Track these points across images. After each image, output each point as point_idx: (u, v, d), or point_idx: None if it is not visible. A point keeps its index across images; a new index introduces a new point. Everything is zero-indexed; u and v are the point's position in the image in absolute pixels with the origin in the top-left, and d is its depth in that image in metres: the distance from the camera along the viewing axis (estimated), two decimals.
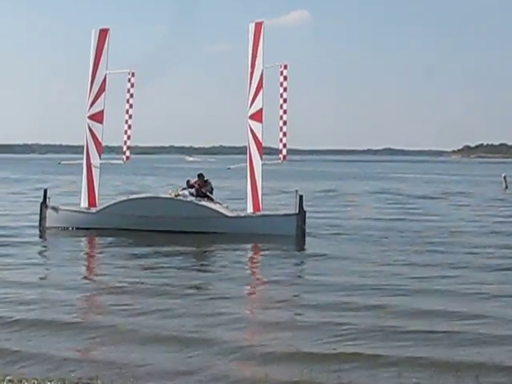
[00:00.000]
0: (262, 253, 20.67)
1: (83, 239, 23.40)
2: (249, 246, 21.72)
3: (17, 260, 18.82)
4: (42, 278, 16.66)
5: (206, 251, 20.93)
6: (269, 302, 13.84)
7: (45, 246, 22.34)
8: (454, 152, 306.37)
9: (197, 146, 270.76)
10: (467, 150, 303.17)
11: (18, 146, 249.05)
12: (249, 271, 18.37)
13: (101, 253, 21.03)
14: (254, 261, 19.96)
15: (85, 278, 17.41)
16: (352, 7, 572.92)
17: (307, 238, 22.59)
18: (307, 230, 23.01)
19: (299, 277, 17.18)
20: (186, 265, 18.55)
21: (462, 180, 74.10)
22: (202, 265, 18.97)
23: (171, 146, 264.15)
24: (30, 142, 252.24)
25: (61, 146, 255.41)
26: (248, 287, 15.88)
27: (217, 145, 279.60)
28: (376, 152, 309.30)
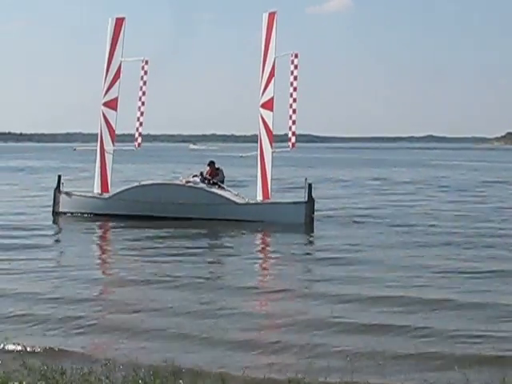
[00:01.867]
0: (270, 240, 21.08)
1: (95, 224, 23.71)
2: (258, 233, 21.99)
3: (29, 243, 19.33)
4: (55, 261, 17.12)
5: (215, 237, 21.30)
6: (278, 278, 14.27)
7: (58, 231, 22.81)
8: (496, 139, 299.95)
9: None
10: (510, 137, 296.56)
11: (60, 134, 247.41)
12: (258, 256, 18.69)
13: (112, 238, 21.54)
14: (263, 247, 20.34)
15: (97, 259, 18.01)
16: None
17: (316, 225, 22.80)
18: (359, 215, 24.63)
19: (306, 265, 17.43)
20: (196, 250, 18.83)
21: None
22: (211, 250, 19.45)
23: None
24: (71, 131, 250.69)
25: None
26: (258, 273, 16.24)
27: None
28: (418, 139, 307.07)
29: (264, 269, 16.89)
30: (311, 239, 21.22)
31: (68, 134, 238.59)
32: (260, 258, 18.44)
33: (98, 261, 18.28)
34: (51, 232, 22.45)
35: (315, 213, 23.23)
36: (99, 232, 22.87)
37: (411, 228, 22.27)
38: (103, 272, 16.50)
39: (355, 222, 23.85)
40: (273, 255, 18.62)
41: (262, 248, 20.13)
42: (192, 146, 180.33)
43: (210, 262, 17.29)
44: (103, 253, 19.53)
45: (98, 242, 21.30)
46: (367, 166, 71.15)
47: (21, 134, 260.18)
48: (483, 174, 55.23)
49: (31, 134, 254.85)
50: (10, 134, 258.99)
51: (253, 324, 11.21)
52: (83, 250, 18.90)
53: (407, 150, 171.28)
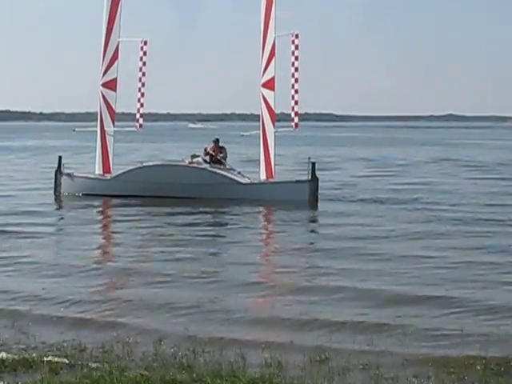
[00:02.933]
0: (275, 217, 21.39)
1: (97, 205, 23.76)
2: (262, 211, 22.28)
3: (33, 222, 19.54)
4: (57, 242, 17.36)
5: (220, 217, 21.52)
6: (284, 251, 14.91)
7: (59, 212, 22.92)
8: None
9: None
10: None
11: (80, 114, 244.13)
12: (262, 234, 19.02)
13: (115, 218, 21.63)
14: (268, 225, 20.69)
15: (101, 239, 18.25)
16: None
17: (320, 204, 23.09)
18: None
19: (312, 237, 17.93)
20: (200, 228, 19.07)
21: None
22: (216, 226, 19.75)
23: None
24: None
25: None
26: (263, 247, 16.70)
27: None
28: (438, 118, 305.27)
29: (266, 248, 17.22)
30: (314, 217, 21.53)
31: (88, 113, 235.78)
32: (262, 234, 18.92)
33: (103, 240, 18.39)
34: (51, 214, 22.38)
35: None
36: (101, 213, 22.87)
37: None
38: (108, 251, 16.60)
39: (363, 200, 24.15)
40: (275, 229, 19.26)
41: (265, 226, 20.55)
42: (191, 125, 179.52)
43: (214, 239, 17.54)
44: (105, 233, 19.71)
45: (102, 223, 21.36)
46: (392, 145, 70.65)
47: (41, 114, 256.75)
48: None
49: (51, 114, 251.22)
50: (29, 113, 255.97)
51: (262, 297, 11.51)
52: (86, 231, 18.84)
53: (427, 129, 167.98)
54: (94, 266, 13.73)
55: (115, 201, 23.95)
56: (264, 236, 18.57)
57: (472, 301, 10.85)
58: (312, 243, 16.86)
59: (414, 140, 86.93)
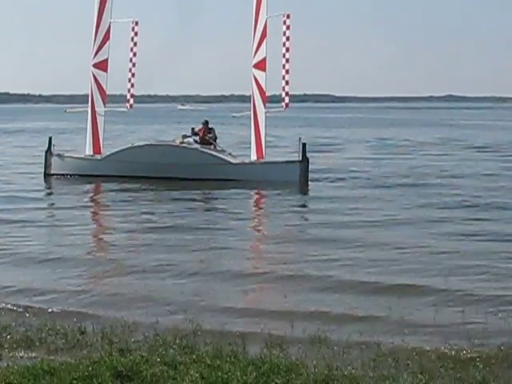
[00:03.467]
0: (267, 196, 21.46)
1: (89, 186, 23.73)
2: (254, 191, 22.28)
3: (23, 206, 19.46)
4: (49, 220, 17.39)
5: (211, 197, 21.49)
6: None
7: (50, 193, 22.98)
8: None
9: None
10: None
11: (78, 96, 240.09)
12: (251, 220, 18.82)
13: (106, 198, 21.55)
14: (259, 204, 20.76)
15: (92, 221, 18.23)
16: None
17: (311, 184, 23.12)
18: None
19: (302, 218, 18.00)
20: (192, 207, 19.22)
21: None
22: (207, 208, 19.64)
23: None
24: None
25: None
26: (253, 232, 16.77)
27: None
28: (438, 99, 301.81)
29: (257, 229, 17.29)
30: (305, 198, 21.54)
31: (86, 95, 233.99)
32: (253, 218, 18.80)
33: (95, 226, 18.16)
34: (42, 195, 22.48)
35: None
36: (92, 195, 22.66)
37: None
38: (101, 237, 16.34)
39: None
40: (265, 210, 19.40)
41: (256, 207, 20.56)
42: (180, 107, 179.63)
43: (206, 219, 17.51)
44: (99, 216, 19.62)
45: (92, 206, 21.09)
46: (392, 127, 70.57)
47: (40, 96, 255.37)
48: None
49: (50, 96, 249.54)
50: (28, 95, 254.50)
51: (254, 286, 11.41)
52: (76, 210, 18.89)
53: (428, 109, 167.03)
54: (87, 256, 13.44)
55: (105, 183, 23.82)
56: (253, 223, 18.09)
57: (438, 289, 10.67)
58: (301, 231, 16.27)
59: (414, 121, 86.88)
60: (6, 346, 7.84)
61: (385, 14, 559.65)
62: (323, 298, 10.27)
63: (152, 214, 18.14)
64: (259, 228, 17.41)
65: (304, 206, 20.17)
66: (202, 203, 20.64)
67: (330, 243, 14.16)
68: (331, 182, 24.20)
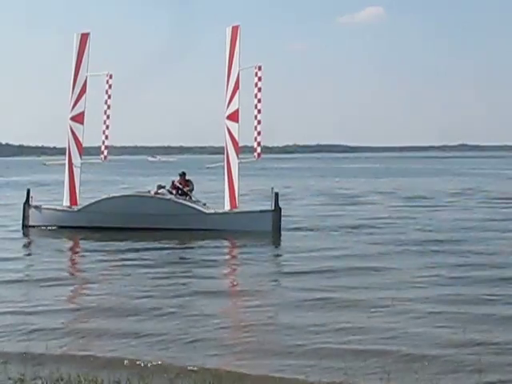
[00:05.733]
0: (239, 247, 21.67)
1: (65, 237, 23.97)
2: (226, 241, 22.53)
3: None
4: (25, 274, 17.44)
5: (185, 246, 21.72)
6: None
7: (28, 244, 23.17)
8: None
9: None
10: None
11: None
12: (227, 263, 19.31)
13: (82, 249, 21.81)
14: (232, 254, 21.01)
15: (67, 272, 18.25)
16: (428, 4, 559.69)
17: (284, 234, 23.37)
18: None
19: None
20: (167, 258, 19.46)
21: None
22: (181, 258, 19.82)
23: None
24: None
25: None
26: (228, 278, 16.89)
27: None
28: (452, 148, 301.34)
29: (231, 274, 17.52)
30: (277, 247, 21.81)
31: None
32: (227, 265, 19.06)
33: (69, 274, 18.28)
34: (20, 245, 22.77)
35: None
36: (68, 245, 22.98)
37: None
38: (76, 283, 16.66)
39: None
40: (239, 260, 19.42)
41: (229, 256, 20.80)
42: (150, 159, 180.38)
43: (182, 272, 17.57)
44: (72, 264, 19.87)
45: (68, 256, 21.34)
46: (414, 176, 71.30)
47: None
48: None
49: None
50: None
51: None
52: (52, 262, 19.10)
53: (441, 159, 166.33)
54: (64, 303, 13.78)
55: (82, 234, 24.06)
56: (227, 271, 18.24)
57: None
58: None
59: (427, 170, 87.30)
60: None
61: (397, 65, 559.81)
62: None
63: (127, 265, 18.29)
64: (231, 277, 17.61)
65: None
66: (176, 252, 20.93)
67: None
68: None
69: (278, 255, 20.36)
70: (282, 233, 23.44)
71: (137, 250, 20.64)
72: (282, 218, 23.73)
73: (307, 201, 38.00)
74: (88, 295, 14.73)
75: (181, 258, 19.70)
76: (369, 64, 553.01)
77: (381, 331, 11.11)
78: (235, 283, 16.37)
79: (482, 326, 11.36)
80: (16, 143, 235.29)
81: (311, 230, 24.60)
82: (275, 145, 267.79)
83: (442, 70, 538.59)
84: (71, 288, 15.72)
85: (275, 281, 16.03)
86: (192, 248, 21.31)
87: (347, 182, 60.51)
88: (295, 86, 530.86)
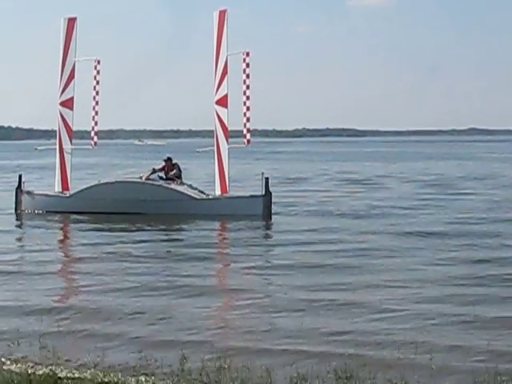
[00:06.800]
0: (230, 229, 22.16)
1: (56, 223, 24.25)
2: (217, 225, 22.94)
3: None
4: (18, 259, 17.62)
5: (176, 231, 22.08)
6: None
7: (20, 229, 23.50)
8: None
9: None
10: None
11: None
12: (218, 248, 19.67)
13: (73, 235, 22.25)
14: (223, 238, 21.40)
15: (61, 256, 18.68)
16: None
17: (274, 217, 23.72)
18: None
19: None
20: (156, 244, 19.64)
21: None
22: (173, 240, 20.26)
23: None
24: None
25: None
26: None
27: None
28: (460, 132, 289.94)
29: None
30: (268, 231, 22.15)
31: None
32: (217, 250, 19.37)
33: (61, 260, 18.29)
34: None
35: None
36: (60, 231, 23.31)
37: None
38: (68, 272, 16.65)
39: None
40: (229, 245, 19.75)
41: (220, 240, 21.07)
42: (137, 142, 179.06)
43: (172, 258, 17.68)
44: (64, 249, 20.20)
45: (60, 241, 21.64)
46: (422, 160, 70.99)
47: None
48: None
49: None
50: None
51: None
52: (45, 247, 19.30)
53: (451, 143, 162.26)
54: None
55: (74, 218, 24.32)
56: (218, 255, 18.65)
57: None
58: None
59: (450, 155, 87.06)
60: None
61: (407, 49, 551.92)
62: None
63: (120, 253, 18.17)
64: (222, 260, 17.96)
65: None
66: (166, 236, 21.17)
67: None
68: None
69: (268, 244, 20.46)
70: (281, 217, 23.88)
71: (127, 235, 20.88)
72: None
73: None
74: (73, 293, 14.34)
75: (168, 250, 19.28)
76: (378, 47, 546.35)
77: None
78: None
79: None
80: (26, 127, 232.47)
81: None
82: (284, 128, 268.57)
83: (453, 55, 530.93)
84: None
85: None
86: (179, 234, 21.57)
87: (372, 166, 60.17)
88: (304, 69, 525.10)
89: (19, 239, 21.41)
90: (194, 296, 13.02)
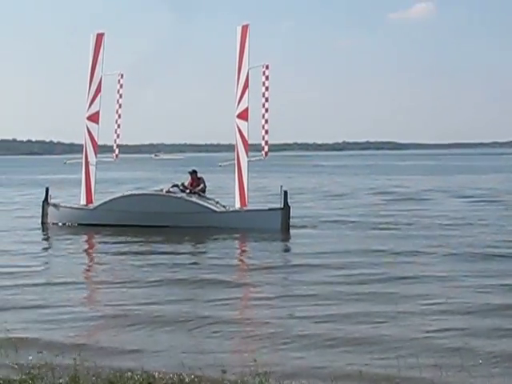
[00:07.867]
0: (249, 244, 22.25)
1: (81, 234, 24.56)
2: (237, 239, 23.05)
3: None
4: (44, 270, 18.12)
5: (196, 244, 22.21)
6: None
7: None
8: None
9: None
10: None
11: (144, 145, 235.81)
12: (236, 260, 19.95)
13: (95, 247, 22.63)
14: (242, 250, 21.65)
15: (84, 269, 18.83)
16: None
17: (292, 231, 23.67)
18: None
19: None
20: (180, 256, 19.75)
21: None
22: (193, 255, 20.33)
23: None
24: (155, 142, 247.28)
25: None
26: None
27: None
28: (502, 144, 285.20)
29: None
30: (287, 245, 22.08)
31: (151, 144, 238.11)
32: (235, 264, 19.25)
33: (84, 269, 18.70)
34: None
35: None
36: (84, 242, 23.56)
37: None
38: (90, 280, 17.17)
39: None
40: (248, 260, 19.65)
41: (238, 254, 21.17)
42: (154, 157, 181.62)
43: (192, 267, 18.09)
44: (88, 261, 20.41)
45: (84, 252, 21.87)
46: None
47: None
48: None
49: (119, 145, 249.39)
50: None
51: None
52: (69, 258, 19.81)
53: (493, 155, 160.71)
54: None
55: (96, 230, 24.65)
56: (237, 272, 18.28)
57: None
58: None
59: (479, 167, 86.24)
60: None
61: (450, 62, 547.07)
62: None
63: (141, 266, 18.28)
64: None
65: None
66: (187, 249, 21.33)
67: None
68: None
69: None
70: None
71: (149, 247, 21.32)
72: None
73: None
74: (98, 301, 14.63)
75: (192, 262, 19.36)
76: (419, 60, 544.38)
77: None
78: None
79: None
80: (67, 141, 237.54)
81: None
82: (324, 142, 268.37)
83: (494, 65, 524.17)
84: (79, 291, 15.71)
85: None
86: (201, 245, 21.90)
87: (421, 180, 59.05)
88: (345, 82, 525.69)
89: (45, 249, 22.10)
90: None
